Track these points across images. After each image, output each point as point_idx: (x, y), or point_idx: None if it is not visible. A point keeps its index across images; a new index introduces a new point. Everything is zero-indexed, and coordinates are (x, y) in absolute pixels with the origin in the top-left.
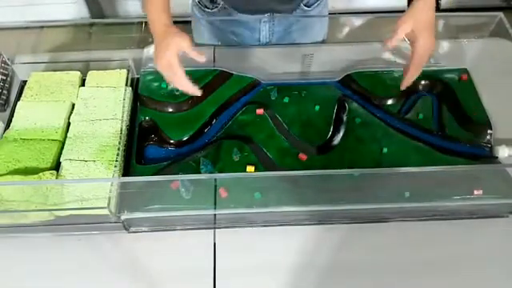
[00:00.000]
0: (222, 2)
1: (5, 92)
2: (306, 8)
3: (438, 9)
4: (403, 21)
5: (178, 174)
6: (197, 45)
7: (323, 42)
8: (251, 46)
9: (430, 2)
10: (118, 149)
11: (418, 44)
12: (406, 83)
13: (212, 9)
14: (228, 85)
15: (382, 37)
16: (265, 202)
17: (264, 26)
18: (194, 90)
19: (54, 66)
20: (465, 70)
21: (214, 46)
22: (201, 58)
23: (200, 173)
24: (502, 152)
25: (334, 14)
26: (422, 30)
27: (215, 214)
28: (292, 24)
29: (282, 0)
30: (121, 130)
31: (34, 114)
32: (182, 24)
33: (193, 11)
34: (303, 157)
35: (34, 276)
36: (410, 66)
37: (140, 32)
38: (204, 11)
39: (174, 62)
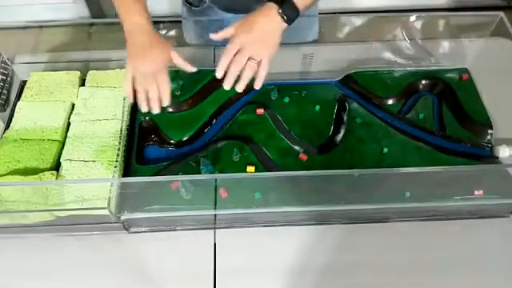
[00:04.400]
0: (207, 0)
1: (5, 92)
2: None
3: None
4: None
5: (178, 174)
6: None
7: (315, 41)
8: None
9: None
10: (118, 149)
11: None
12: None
13: (198, 6)
14: None
15: (383, 37)
16: (265, 202)
17: None
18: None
19: (53, 66)
20: (465, 70)
21: (215, 46)
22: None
23: (200, 173)
24: (503, 152)
25: (334, 13)
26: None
27: (215, 215)
28: None
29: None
30: (121, 130)
31: (34, 114)
32: (173, 23)
33: (182, 10)
34: (304, 157)
35: (34, 276)
36: None
37: None
38: (191, 9)
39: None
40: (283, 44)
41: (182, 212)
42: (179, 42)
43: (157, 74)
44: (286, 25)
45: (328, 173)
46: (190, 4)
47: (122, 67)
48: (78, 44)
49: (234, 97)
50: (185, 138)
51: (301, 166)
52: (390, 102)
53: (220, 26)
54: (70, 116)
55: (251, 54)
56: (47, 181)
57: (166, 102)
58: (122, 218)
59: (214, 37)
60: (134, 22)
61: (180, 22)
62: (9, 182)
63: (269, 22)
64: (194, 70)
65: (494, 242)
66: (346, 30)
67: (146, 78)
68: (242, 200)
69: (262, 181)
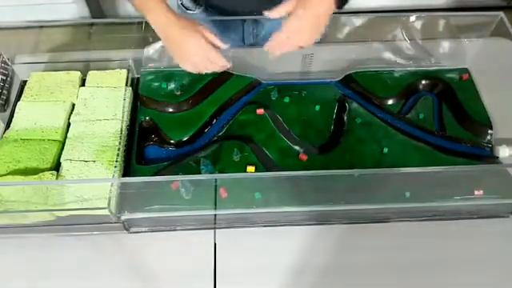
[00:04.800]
0: (203, 3)
1: (5, 92)
2: None
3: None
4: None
5: (178, 174)
6: None
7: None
8: (251, 46)
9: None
10: (118, 149)
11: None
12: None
13: (194, 10)
14: (228, 85)
15: (383, 37)
16: (265, 202)
17: (247, 28)
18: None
19: (53, 66)
20: (465, 70)
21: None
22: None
23: (200, 173)
24: (503, 152)
25: (334, 13)
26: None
27: (215, 215)
28: (276, 26)
29: (262, 1)
30: (121, 130)
31: (34, 114)
32: None
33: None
34: (304, 157)
35: (34, 276)
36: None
37: (140, 32)
38: (187, 13)
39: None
40: None
41: (181, 212)
42: None
43: (208, 56)
44: (335, 8)
45: (328, 173)
46: (186, 8)
47: (122, 67)
48: (78, 44)
49: (234, 97)
50: (185, 138)
51: (301, 166)
52: (390, 102)
53: (218, 29)
54: (70, 116)
55: (298, 42)
56: (47, 181)
57: (229, 64)
58: (122, 217)
59: (268, 14)
60: (157, 15)
61: None
62: (9, 182)
63: (322, 5)
64: (225, 46)
65: (494, 242)
66: (346, 30)
67: (203, 64)
68: (242, 200)
69: (261, 181)
